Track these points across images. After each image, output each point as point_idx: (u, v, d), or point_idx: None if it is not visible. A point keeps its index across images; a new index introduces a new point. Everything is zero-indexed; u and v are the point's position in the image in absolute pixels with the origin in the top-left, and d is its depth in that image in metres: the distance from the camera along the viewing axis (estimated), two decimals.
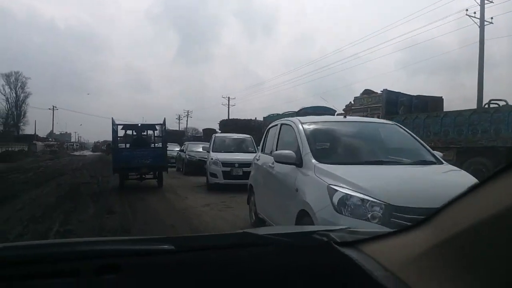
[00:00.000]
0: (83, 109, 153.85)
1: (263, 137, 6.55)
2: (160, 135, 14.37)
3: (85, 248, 1.22)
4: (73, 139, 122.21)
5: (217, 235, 1.65)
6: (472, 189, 0.82)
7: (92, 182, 14.33)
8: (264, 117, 31.84)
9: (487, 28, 22.73)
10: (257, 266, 1.18)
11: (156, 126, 14.39)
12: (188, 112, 78.19)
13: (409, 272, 0.92)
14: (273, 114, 30.58)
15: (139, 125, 14.31)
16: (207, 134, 53.91)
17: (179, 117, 79.55)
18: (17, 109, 76.11)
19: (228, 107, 60.71)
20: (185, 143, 23.42)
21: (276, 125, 5.91)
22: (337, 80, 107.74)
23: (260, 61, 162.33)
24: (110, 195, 11.34)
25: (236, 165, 12.08)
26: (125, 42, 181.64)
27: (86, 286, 1.07)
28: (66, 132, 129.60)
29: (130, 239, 1.55)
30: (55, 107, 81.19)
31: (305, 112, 27.32)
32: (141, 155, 12.21)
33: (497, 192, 0.75)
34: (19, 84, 73.62)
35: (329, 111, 27.32)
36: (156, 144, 14.44)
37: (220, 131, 50.95)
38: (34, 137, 72.81)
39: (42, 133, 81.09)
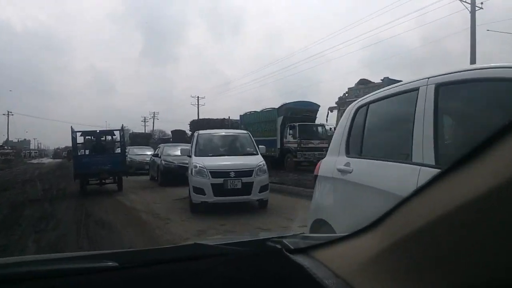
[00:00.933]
0: (43, 114, 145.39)
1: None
2: (119, 140, 14.50)
3: (20, 270, 1.13)
4: (32, 146, 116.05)
5: (166, 248, 1.66)
6: (422, 189, 0.78)
7: (43, 199, 11.04)
8: (240, 115, 29.06)
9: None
10: (209, 278, 1.10)
11: (115, 132, 14.82)
12: (154, 114, 74.14)
13: (359, 278, 0.89)
14: (250, 112, 27.93)
15: (98, 131, 14.55)
16: (176, 136, 50.58)
17: (144, 119, 75.55)
18: None
19: (198, 107, 57.58)
20: (160, 145, 20.14)
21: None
22: (303, 79, 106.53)
23: (227, 62, 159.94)
24: (64, 218, 8.27)
25: (232, 174, 8.66)
26: (88, 43, 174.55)
27: None
28: (25, 139, 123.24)
29: (71, 257, 1.36)
30: (10, 112, 75.62)
31: (287, 108, 24.71)
32: (100, 161, 12.59)
33: (445, 192, 0.72)
34: None
35: (313, 106, 24.77)
36: (116, 150, 14.66)
37: (190, 132, 48.00)
38: None
39: None
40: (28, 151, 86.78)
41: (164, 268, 1.14)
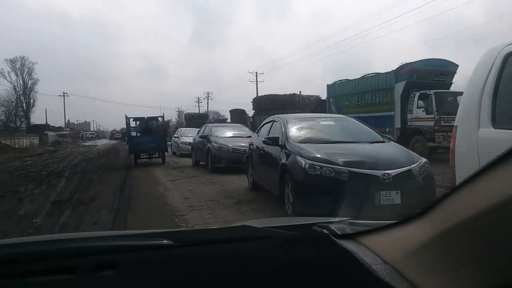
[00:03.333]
0: (101, 97, 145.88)
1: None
2: (162, 124, 17.18)
3: (82, 244, 1.16)
4: (92, 128, 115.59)
5: (216, 229, 1.66)
6: (472, 178, 0.75)
7: None
8: (328, 85, 22.17)
9: None
10: (256, 260, 1.10)
11: (159, 118, 17.10)
12: (208, 94, 68.44)
13: (408, 265, 0.87)
14: (342, 80, 21.17)
15: (145, 117, 16.95)
16: (235, 116, 44.54)
17: (198, 99, 70.09)
18: (25, 97, 68.37)
19: (256, 84, 50.84)
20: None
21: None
22: (355, 57, 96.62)
23: (275, 42, 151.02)
24: None
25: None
26: (140, 28, 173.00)
27: (83, 283, 1.00)
28: (85, 121, 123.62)
29: (127, 234, 1.40)
30: (66, 93, 72.96)
31: (412, 68, 17.28)
32: (148, 141, 15.28)
33: (497, 181, 0.69)
34: (26, 70, 65.89)
35: (448, 66, 16.18)
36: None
37: (254, 111, 41.65)
38: (46, 126, 66.04)
39: (57, 122, 73.24)
40: (90, 132, 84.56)
41: (215, 248, 1.14)
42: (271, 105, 34.38)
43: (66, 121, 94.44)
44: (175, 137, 21.51)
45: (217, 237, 1.24)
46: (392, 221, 1.03)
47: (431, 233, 0.83)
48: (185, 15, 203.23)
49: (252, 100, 37.19)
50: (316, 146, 5.48)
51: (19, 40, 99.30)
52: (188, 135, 18.71)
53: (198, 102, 70.07)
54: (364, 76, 18.49)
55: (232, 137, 12.12)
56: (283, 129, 6.22)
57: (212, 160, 11.38)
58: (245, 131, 13.04)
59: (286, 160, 5.43)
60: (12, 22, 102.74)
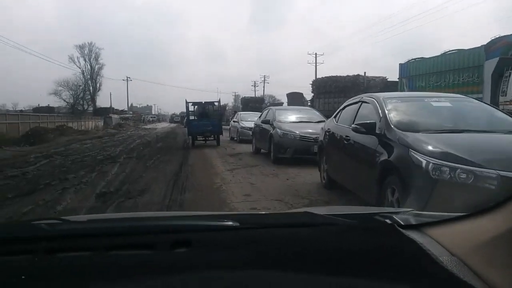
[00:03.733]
0: (162, 81, 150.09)
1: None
2: (218, 109, 18.12)
3: (161, 223, 1.28)
4: (153, 112, 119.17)
5: (280, 213, 1.78)
6: None
7: None
8: (401, 64, 20.07)
9: None
10: (319, 245, 1.09)
11: (215, 103, 18.08)
12: (265, 77, 67.18)
13: (476, 259, 0.85)
14: (418, 59, 18.93)
15: (203, 102, 17.73)
16: (293, 99, 43.01)
17: (254, 83, 69.14)
18: (92, 81, 71.28)
19: (316, 65, 48.72)
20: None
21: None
22: (420, 37, 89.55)
23: (335, 23, 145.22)
24: None
25: None
26: (199, 13, 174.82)
27: (161, 259, 1.04)
28: (147, 105, 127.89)
29: (198, 215, 1.52)
30: (129, 78, 75.14)
31: (507, 42, 15.09)
32: (204, 124, 16.11)
33: None
34: (93, 56, 68.41)
35: None
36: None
37: (312, 94, 39.78)
38: (110, 110, 68.78)
39: (121, 105, 75.97)
40: (151, 116, 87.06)
41: (279, 232, 1.17)
42: (332, 88, 32.38)
43: (129, 104, 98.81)
44: (234, 121, 20.14)
45: (280, 222, 1.30)
46: (460, 214, 1.01)
47: (503, 227, 0.81)
48: None
49: (311, 83, 35.34)
50: (436, 136, 3.88)
51: (87, 27, 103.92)
52: (248, 120, 17.55)
53: (254, 86, 69.32)
54: (444, 52, 16.29)
55: (299, 122, 10.54)
56: (380, 112, 4.56)
57: (275, 148, 9.93)
58: (315, 115, 11.39)
59: (389, 156, 3.92)
60: (79, 9, 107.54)
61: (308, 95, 42.12)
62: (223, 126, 17.26)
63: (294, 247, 1.07)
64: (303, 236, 1.14)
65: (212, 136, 16.20)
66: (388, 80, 29.40)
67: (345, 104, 6.21)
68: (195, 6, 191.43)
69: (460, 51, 14.92)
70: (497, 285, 0.77)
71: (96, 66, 69.18)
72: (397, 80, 30.35)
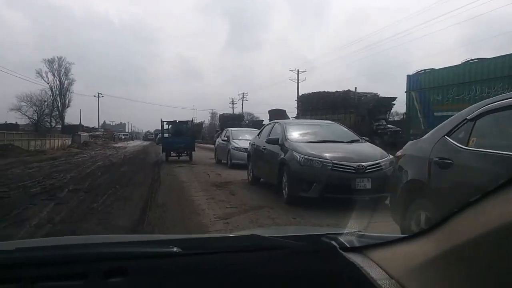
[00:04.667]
0: (137, 98, 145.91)
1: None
2: (191, 127, 19.47)
3: (94, 250, 1.18)
4: (127, 129, 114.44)
5: (225, 237, 1.72)
6: (478, 200, 0.76)
7: None
8: (409, 75, 17.52)
9: None
10: (264, 271, 1.10)
11: (188, 122, 19.63)
12: (243, 95, 64.38)
13: (411, 282, 0.87)
14: (424, 71, 16.36)
15: (177, 121, 18.87)
16: (275, 116, 40.02)
17: (232, 101, 66.27)
18: (61, 97, 66.64)
19: (298, 82, 46.28)
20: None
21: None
22: (390, 59, 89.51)
23: (309, 45, 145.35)
24: None
25: None
26: (176, 33, 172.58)
27: None
28: (121, 123, 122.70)
29: (138, 241, 1.49)
30: (101, 94, 70.82)
31: None
32: (178, 141, 17.33)
33: (506, 202, 0.69)
34: (63, 71, 64.04)
35: None
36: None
37: (298, 111, 36.96)
38: (80, 127, 64.37)
39: (93, 123, 71.29)
40: (119, 133, 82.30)
41: (223, 257, 1.13)
42: (319, 104, 29.67)
43: (102, 122, 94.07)
44: (223, 140, 15.11)
45: (226, 246, 1.26)
46: (400, 236, 1.06)
47: (435, 251, 0.82)
48: (220, 19, 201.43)
49: (296, 99, 32.57)
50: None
51: (58, 41, 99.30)
52: (242, 138, 13.71)
53: (233, 103, 66.30)
54: (467, 61, 13.60)
55: (323, 142, 7.20)
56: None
57: (292, 182, 6.48)
58: (343, 132, 8.02)
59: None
60: (52, 23, 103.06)
61: (291, 112, 39.47)
62: (201, 144, 19.34)
63: (240, 273, 1.06)
64: (248, 261, 1.12)
65: (185, 152, 17.33)
66: (379, 96, 26.95)
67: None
68: (171, 24, 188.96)
69: (492, 58, 12.36)
70: None
71: (66, 82, 65.22)
72: (388, 96, 28.12)
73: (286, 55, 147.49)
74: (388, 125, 26.08)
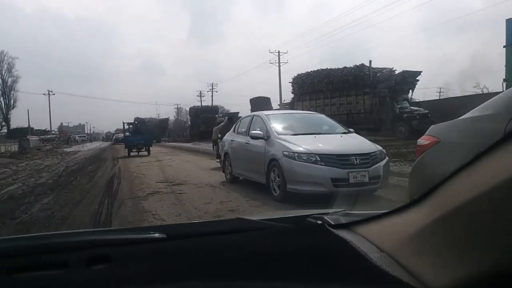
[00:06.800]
0: (96, 96, 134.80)
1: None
2: (148, 127, 24.38)
3: (74, 239, 1.12)
4: (86, 131, 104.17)
5: (210, 222, 1.71)
6: (468, 164, 0.74)
7: None
8: (508, 19, 11.11)
9: None
10: (252, 250, 1.03)
11: (146, 121, 23.82)
12: (212, 85, 56.91)
13: (404, 252, 0.84)
14: None
15: (136, 123, 21.95)
16: (257, 105, 33.45)
17: (200, 93, 58.70)
18: (5, 97, 56.83)
19: (279, 65, 39.65)
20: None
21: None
22: (351, 45, 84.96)
23: (271, 35, 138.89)
24: None
25: None
26: (135, 27, 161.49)
27: (76, 278, 0.91)
28: (80, 124, 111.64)
29: (120, 229, 1.39)
30: (51, 91, 61.29)
31: None
32: (137, 139, 19.54)
33: (493, 166, 0.68)
34: (5, 67, 54.38)
35: None
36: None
37: (293, 95, 30.09)
38: (29, 130, 55.29)
39: (46, 125, 62.03)
40: (76, 135, 72.74)
41: (209, 240, 1.08)
42: (322, 85, 23.11)
43: (59, 124, 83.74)
44: (251, 136, 6.76)
45: (211, 230, 1.20)
46: (387, 211, 0.99)
47: (428, 219, 0.80)
48: (181, 12, 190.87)
49: (291, 80, 25.72)
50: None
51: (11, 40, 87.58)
52: (295, 131, 6.40)
53: (200, 95, 58.63)
54: None
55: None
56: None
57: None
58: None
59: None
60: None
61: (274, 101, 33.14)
62: (171, 143, 23.71)
63: (227, 253, 1.00)
64: (235, 242, 1.06)
65: (144, 148, 19.50)
66: (395, 72, 20.89)
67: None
68: (129, 19, 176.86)
69: None
70: (425, 274, 0.76)
71: (9, 79, 56.16)
72: (414, 70, 22.14)
73: (248, 46, 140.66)
74: (413, 107, 20.10)
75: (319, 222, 1.11)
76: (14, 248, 1.01)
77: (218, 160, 10.62)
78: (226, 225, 1.29)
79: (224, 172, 8.17)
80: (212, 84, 56.59)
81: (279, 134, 6.27)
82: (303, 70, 33.91)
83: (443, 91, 42.34)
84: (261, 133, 6.47)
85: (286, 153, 5.66)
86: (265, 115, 7.10)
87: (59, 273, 0.91)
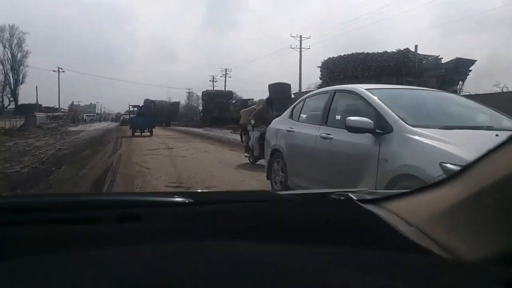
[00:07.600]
0: (108, 78, 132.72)
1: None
2: (152, 108, 27.57)
3: (106, 198, 1.17)
4: (97, 111, 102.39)
5: (236, 192, 1.68)
6: (502, 144, 0.73)
7: None
8: None
9: None
10: (277, 219, 1.00)
11: (156, 103, 26.56)
12: (226, 70, 53.93)
13: (435, 227, 0.82)
14: None
15: (141, 105, 26.02)
16: (277, 92, 30.58)
17: (213, 78, 55.73)
18: (14, 72, 54.75)
19: (300, 51, 36.56)
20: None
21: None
22: (361, 39, 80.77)
23: (286, 25, 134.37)
24: None
25: None
26: (150, 10, 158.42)
27: (106, 233, 0.90)
28: (91, 104, 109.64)
29: (150, 193, 1.34)
30: (61, 68, 58.77)
31: None
32: (141, 121, 21.72)
33: None
34: (15, 41, 52.21)
35: None
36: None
37: (321, 81, 27.13)
38: (36, 107, 53.45)
39: (57, 103, 59.81)
40: (85, 114, 70.75)
41: (238, 206, 1.09)
42: (357, 71, 20.27)
43: (70, 102, 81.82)
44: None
45: (238, 198, 1.21)
46: (414, 189, 0.99)
47: (462, 195, 0.79)
48: None
49: (320, 65, 22.74)
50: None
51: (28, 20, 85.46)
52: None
53: (213, 80, 55.70)
54: None
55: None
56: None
57: None
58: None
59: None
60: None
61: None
62: (181, 128, 26.37)
63: (255, 219, 0.99)
64: (260, 210, 1.06)
65: (147, 129, 21.28)
66: (456, 58, 17.85)
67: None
68: (145, 3, 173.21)
69: None
70: (457, 247, 0.76)
71: (19, 54, 54.16)
72: (468, 58, 19.15)
73: (262, 34, 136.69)
74: None
75: (344, 198, 1.09)
76: (50, 202, 1.02)
77: (246, 155, 8.40)
78: (252, 195, 1.30)
79: (269, 178, 5.25)
80: (226, 69, 53.61)
81: (414, 127, 3.18)
82: (315, 59, 30.98)
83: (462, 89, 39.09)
84: (370, 121, 3.39)
85: (450, 166, 2.62)
86: (370, 89, 3.92)
87: (91, 227, 0.91)
